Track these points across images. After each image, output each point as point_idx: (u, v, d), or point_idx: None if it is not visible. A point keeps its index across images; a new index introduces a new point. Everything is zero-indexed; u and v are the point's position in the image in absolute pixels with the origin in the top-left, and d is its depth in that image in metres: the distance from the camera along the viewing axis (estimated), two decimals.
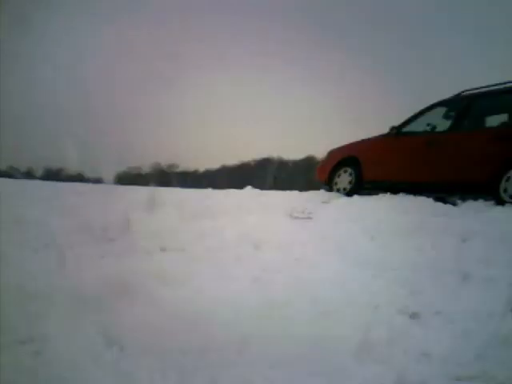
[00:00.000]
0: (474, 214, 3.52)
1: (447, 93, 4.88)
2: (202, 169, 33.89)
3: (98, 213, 3.16)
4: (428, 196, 4.25)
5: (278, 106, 72.05)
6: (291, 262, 2.38)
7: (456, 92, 4.79)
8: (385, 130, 5.14)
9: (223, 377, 1.34)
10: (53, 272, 1.92)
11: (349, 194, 5.05)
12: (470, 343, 1.59)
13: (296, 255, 2.49)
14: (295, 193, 5.53)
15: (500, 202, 3.87)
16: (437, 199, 4.18)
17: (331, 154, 5.67)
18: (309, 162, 27.10)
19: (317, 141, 38.48)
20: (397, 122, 5.04)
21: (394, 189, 4.65)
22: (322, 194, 5.31)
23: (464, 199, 4.21)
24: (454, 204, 4.09)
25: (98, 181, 5.23)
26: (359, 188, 5.12)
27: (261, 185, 6.30)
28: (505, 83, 4.28)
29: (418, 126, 4.88)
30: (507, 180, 3.89)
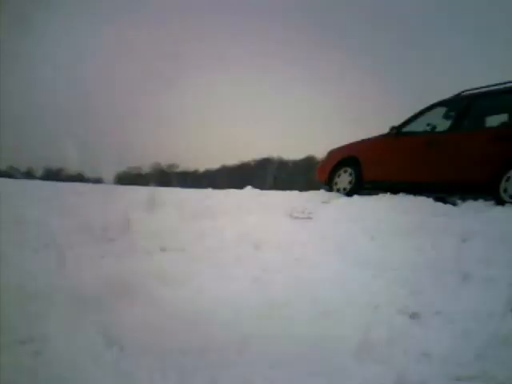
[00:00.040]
0: (474, 214, 3.52)
1: (447, 93, 4.89)
2: (202, 169, 33.93)
3: (98, 213, 3.16)
4: (428, 196, 4.25)
5: (278, 106, 72.15)
6: (291, 262, 2.38)
7: (456, 92, 4.79)
8: (385, 129, 5.15)
9: (223, 377, 1.34)
10: (53, 272, 1.91)
11: (349, 194, 5.05)
12: (469, 343, 1.59)
13: (296, 255, 2.49)
14: (295, 193, 5.53)
15: (500, 202, 3.87)
16: (437, 199, 4.18)
17: (331, 154, 5.67)
18: (309, 162, 27.10)
19: (317, 141, 38.53)
20: (397, 122, 5.04)
21: (394, 189, 4.65)
22: (322, 193, 5.31)
23: (464, 199, 4.21)
24: (454, 204, 4.09)
25: (97, 181, 5.24)
26: (359, 188, 5.12)
27: (261, 185, 6.30)
28: (505, 83, 4.28)
29: (418, 126, 4.88)
30: (507, 180, 3.89)
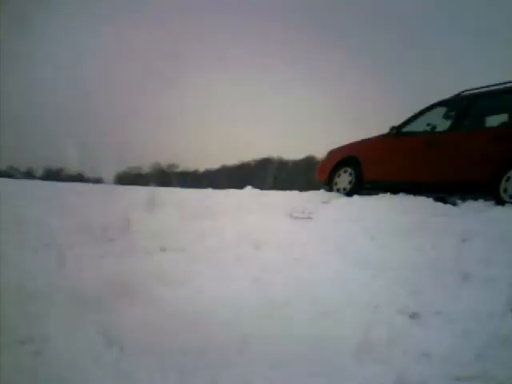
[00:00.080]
0: (474, 214, 3.52)
1: (447, 93, 4.89)
2: (202, 169, 33.93)
3: (98, 213, 3.16)
4: (428, 196, 4.25)
5: (278, 106, 72.15)
6: (291, 262, 2.38)
7: (456, 92, 4.79)
8: (385, 129, 5.15)
9: (223, 377, 1.34)
10: (53, 272, 1.91)
11: (349, 194, 5.05)
12: (470, 343, 1.59)
13: (296, 255, 2.49)
14: (295, 193, 5.53)
15: (500, 202, 3.87)
16: (437, 199, 4.18)
17: (331, 153, 5.67)
18: (309, 162, 27.10)
19: (317, 141, 38.53)
20: (397, 122, 5.04)
21: (394, 189, 4.65)
22: (322, 193, 5.31)
23: (464, 199, 4.21)
24: (454, 204, 4.09)
25: (98, 181, 5.24)
26: (359, 188, 5.12)
27: (261, 185, 6.30)
28: (505, 83, 4.28)
29: (418, 126, 4.88)
30: (507, 180, 3.89)
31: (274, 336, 1.52)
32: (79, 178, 9.68)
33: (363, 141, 5.37)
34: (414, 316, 1.83)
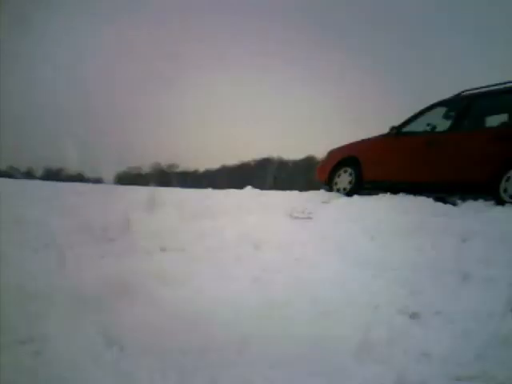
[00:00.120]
0: (474, 214, 3.52)
1: (447, 93, 4.89)
2: (202, 169, 33.93)
3: (98, 213, 3.16)
4: (428, 196, 4.25)
5: (278, 106, 72.14)
6: (291, 262, 2.38)
7: (456, 92, 4.79)
8: (385, 129, 5.15)
9: (223, 377, 1.34)
10: (53, 272, 1.91)
11: (349, 194, 5.05)
12: (470, 343, 1.59)
13: (296, 255, 2.49)
14: (295, 193, 5.53)
15: (500, 202, 3.87)
16: (437, 199, 4.18)
17: (331, 153, 5.67)
18: (309, 162, 27.10)
19: (317, 141, 38.53)
20: (397, 122, 5.04)
21: (394, 189, 4.65)
22: (322, 193, 5.31)
23: (464, 199, 4.21)
24: (454, 204, 4.09)
25: (98, 181, 5.24)
26: (359, 188, 5.12)
27: (261, 185, 6.30)
28: (505, 83, 4.28)
29: (418, 126, 4.88)
30: (507, 180, 3.89)
31: (274, 336, 1.52)
32: (79, 178, 9.70)
33: (363, 141, 5.37)
34: (413, 316, 1.83)
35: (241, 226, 2.97)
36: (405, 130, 4.97)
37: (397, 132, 4.98)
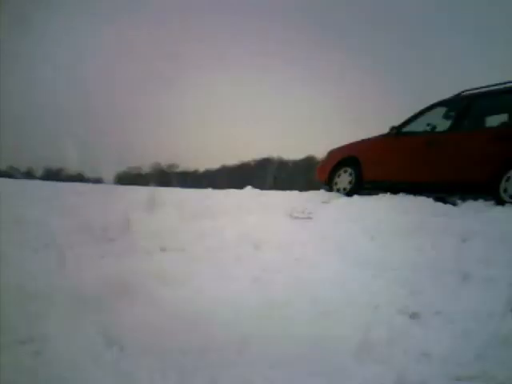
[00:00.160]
0: (474, 214, 3.52)
1: (447, 93, 4.89)
2: (202, 169, 33.93)
3: (98, 213, 3.16)
4: (428, 196, 4.25)
5: (278, 106, 72.16)
6: (291, 262, 2.38)
7: (456, 92, 4.79)
8: (385, 129, 5.15)
9: (223, 377, 1.34)
10: (53, 272, 1.91)
11: (349, 194, 5.05)
12: (470, 343, 1.59)
13: (296, 255, 2.49)
14: (295, 193, 5.53)
15: (500, 202, 3.87)
16: (437, 199, 4.18)
17: (331, 153, 5.67)
18: (309, 162, 27.10)
19: (317, 141, 38.54)
20: (397, 122, 5.04)
21: (394, 189, 4.65)
22: (322, 193, 5.31)
23: (464, 199, 4.21)
24: (454, 204, 4.09)
25: (98, 181, 5.24)
26: (359, 188, 5.12)
27: (261, 185, 6.30)
28: (505, 83, 4.28)
29: (418, 126, 4.88)
30: (507, 180, 3.89)
31: (274, 336, 1.52)
32: (79, 178, 9.70)
33: (363, 141, 5.37)
34: (414, 316, 1.83)
35: (241, 226, 2.98)
36: (405, 130, 4.97)
37: (397, 132, 4.98)
